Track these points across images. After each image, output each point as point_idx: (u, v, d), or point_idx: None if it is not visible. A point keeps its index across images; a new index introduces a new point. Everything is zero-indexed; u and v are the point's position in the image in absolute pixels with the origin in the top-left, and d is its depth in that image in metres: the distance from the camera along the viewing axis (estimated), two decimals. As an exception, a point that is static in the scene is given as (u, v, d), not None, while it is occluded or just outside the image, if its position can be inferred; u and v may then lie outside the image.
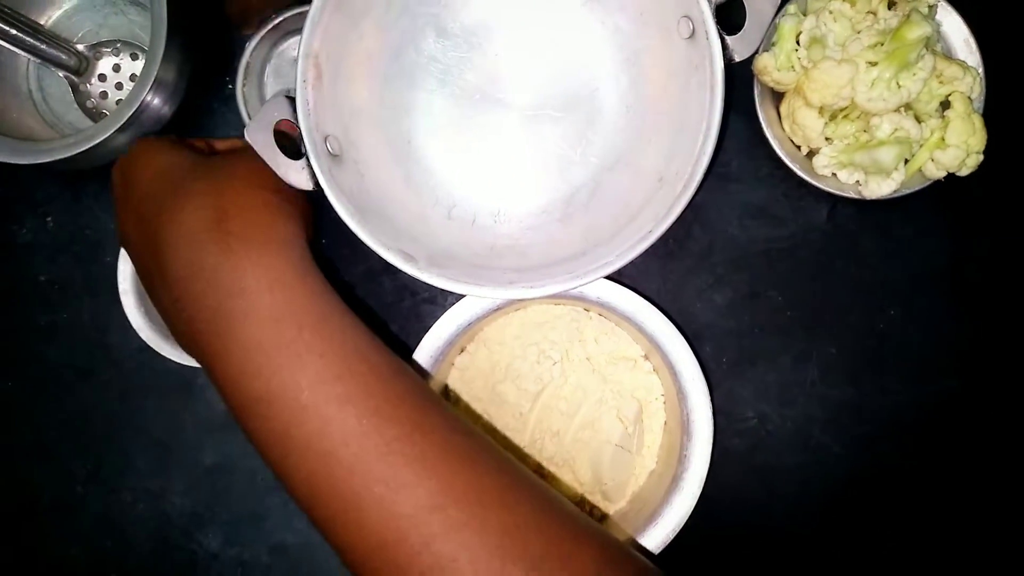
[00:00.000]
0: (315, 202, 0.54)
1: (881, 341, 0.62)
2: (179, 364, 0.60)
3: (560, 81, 0.57)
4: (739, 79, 0.61)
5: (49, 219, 0.66)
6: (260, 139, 0.51)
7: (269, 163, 0.51)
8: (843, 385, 0.62)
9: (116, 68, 0.65)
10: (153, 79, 0.58)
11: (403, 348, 0.60)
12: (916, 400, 0.62)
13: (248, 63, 0.62)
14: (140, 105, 0.58)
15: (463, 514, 0.41)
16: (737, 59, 0.51)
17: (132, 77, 0.66)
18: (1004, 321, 0.62)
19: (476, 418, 0.62)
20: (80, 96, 0.65)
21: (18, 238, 0.67)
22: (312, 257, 0.49)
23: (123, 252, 0.60)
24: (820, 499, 0.62)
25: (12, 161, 0.59)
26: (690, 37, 0.50)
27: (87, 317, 0.66)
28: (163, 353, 0.59)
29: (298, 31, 0.51)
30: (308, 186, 0.52)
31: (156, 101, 0.61)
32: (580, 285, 0.50)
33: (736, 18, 0.51)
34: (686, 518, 0.56)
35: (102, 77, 0.65)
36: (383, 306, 0.64)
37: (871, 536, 0.62)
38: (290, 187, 0.51)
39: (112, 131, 0.58)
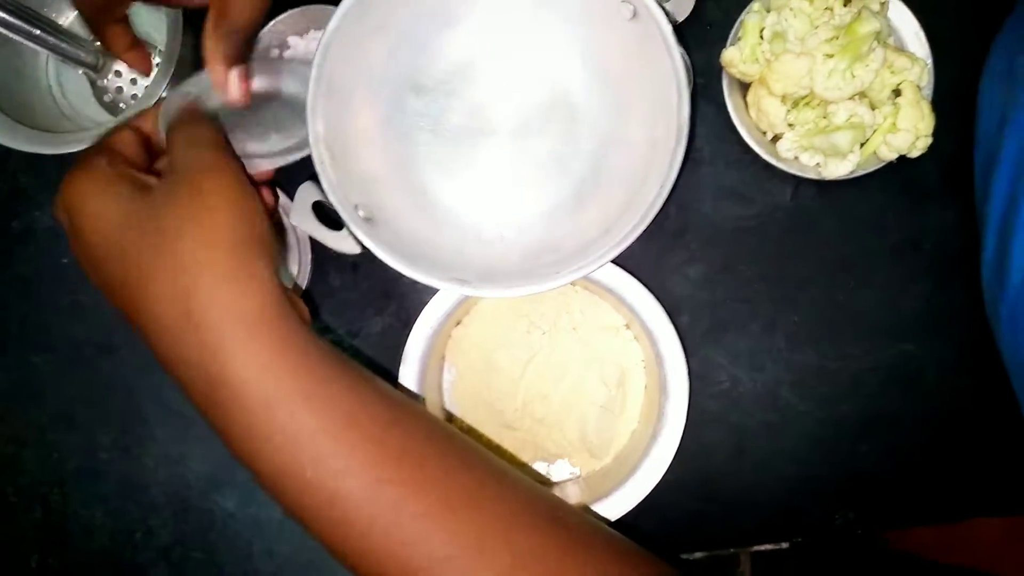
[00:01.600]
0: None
1: (841, 310, 0.68)
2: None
3: (533, 95, 0.62)
4: (709, 72, 0.67)
5: (70, 206, 0.71)
6: (305, 222, 0.59)
7: (321, 240, 0.59)
8: (807, 350, 0.68)
9: (132, 64, 0.70)
10: (171, 74, 0.63)
11: (401, 328, 0.65)
12: (875, 363, 0.68)
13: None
14: (157, 99, 0.63)
15: (472, 561, 0.44)
16: (679, 20, 0.57)
17: (147, 72, 0.70)
18: (954, 289, 0.68)
19: (472, 387, 0.67)
20: (98, 91, 0.70)
21: (41, 223, 0.71)
22: (289, 304, 0.45)
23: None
24: (787, 453, 0.68)
25: (39, 151, 0.64)
26: (633, 18, 0.56)
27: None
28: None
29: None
30: (357, 250, 0.59)
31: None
32: (620, 251, 0.54)
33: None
34: (664, 469, 0.62)
35: (118, 73, 0.70)
36: (385, 280, 0.69)
37: (833, 486, 0.68)
38: (248, 212, 0.45)
39: (131, 123, 0.62)
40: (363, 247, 0.56)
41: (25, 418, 0.71)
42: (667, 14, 0.55)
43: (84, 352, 0.71)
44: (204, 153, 0.47)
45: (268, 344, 0.43)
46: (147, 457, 0.70)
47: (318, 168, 0.56)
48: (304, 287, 0.64)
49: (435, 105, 0.63)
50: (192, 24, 0.65)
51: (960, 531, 0.72)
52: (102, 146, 0.49)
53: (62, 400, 0.71)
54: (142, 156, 0.51)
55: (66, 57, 0.67)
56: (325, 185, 0.56)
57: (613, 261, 0.61)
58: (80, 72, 0.69)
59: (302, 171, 0.57)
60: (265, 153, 0.54)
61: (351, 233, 0.56)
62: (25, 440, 0.71)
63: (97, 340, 0.71)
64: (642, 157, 0.57)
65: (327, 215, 0.59)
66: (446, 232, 0.62)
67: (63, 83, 0.72)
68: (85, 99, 0.71)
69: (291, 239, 0.66)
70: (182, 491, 0.70)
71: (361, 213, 0.57)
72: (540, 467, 0.68)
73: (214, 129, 0.50)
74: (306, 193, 0.59)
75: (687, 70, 0.54)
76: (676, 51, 0.54)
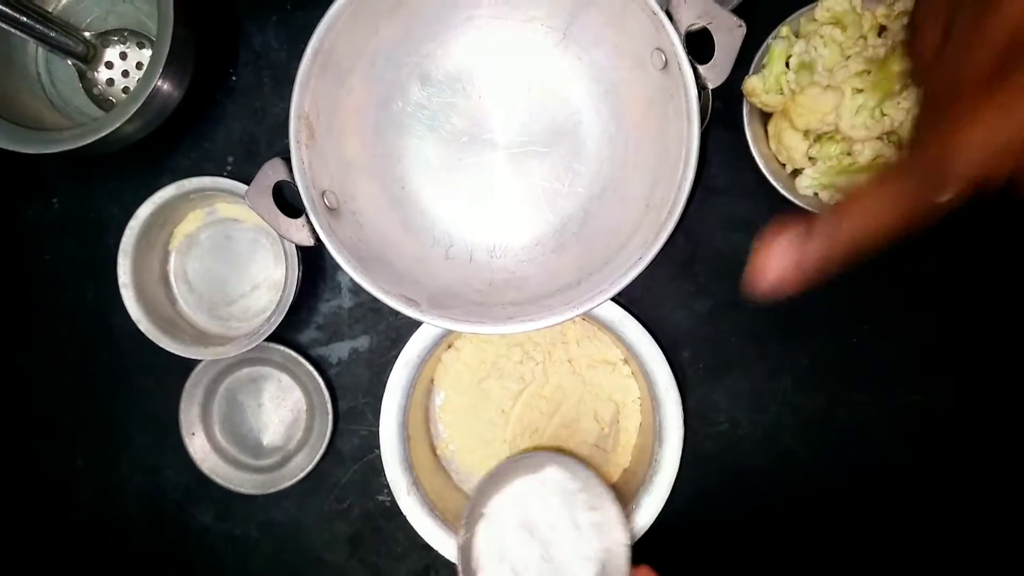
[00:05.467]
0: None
1: (852, 354, 0.65)
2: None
3: (543, 117, 0.59)
4: (730, 96, 0.63)
5: (55, 201, 0.69)
6: (260, 203, 0.53)
7: (271, 224, 0.53)
8: (814, 394, 0.65)
9: (123, 56, 0.67)
10: (160, 71, 0.59)
11: (390, 347, 0.62)
12: (883, 412, 0.65)
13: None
14: (147, 96, 0.60)
15: None
16: (711, 86, 0.52)
17: (138, 65, 0.67)
18: (972, 340, 0.64)
19: (461, 413, 0.65)
20: (87, 83, 0.67)
21: (25, 219, 0.69)
22: None
23: (123, 241, 0.62)
24: (786, 501, 0.65)
25: (22, 150, 0.61)
26: (663, 68, 0.51)
27: (90, 298, 0.68)
28: (161, 344, 0.62)
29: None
30: (310, 242, 0.54)
31: (163, 91, 0.62)
32: (576, 315, 0.51)
33: (707, 47, 0.53)
34: (654, 518, 0.59)
35: (109, 65, 0.67)
36: (374, 298, 0.66)
37: (833, 537, 0.65)
38: None
39: (120, 123, 0.59)
40: (317, 240, 0.53)
41: (2, 420, 0.69)
42: (699, 77, 0.50)
43: (65, 354, 0.69)
44: None
45: None
46: (123, 465, 0.69)
47: (292, 146, 0.52)
48: (291, 300, 0.62)
49: (438, 100, 0.59)
50: (184, 15, 0.61)
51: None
52: None
53: (41, 402, 0.69)
54: None
55: (53, 47, 0.64)
56: (295, 165, 0.52)
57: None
58: (70, 63, 0.66)
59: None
60: None
61: (308, 222, 0.53)
62: (1, 443, 0.69)
63: (78, 342, 0.69)
64: (633, 216, 0.53)
65: (285, 201, 0.55)
66: (415, 238, 0.58)
67: (53, 72, 0.69)
68: (75, 90, 0.68)
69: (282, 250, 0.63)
70: (158, 502, 0.68)
71: (327, 201, 0.53)
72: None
73: None
74: (271, 171, 0.54)
75: (699, 142, 0.50)
76: (696, 120, 0.50)
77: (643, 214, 0.52)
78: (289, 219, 0.53)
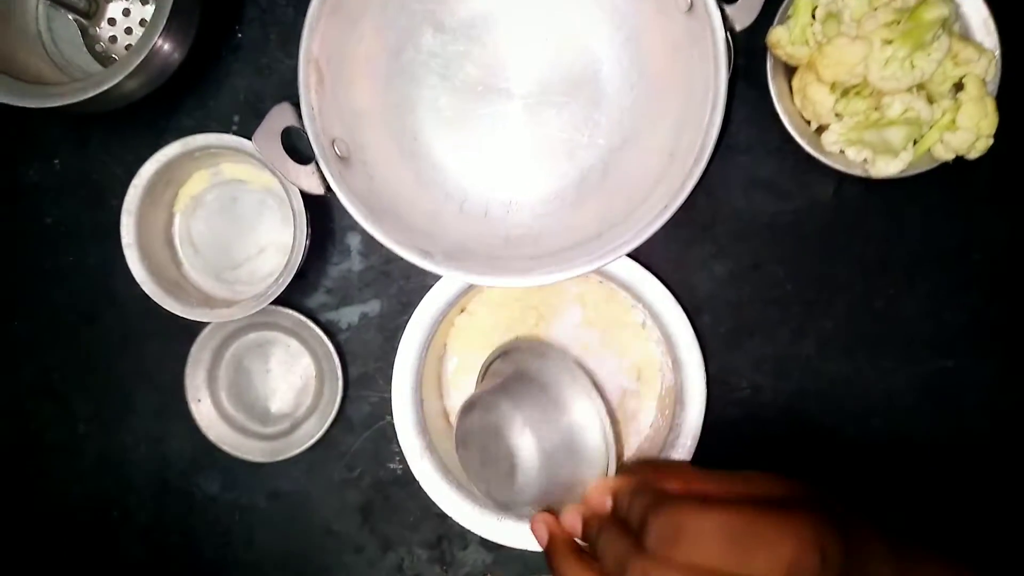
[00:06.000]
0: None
1: (879, 319, 0.63)
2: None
3: (561, 66, 0.57)
4: (753, 51, 0.61)
5: (56, 162, 0.67)
6: (268, 147, 0.51)
7: (279, 170, 0.51)
8: (839, 359, 0.63)
9: (126, 12, 0.65)
10: (163, 26, 0.58)
11: (401, 311, 0.61)
12: (909, 379, 0.63)
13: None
14: (150, 51, 0.58)
15: None
16: (738, 28, 0.50)
17: (142, 22, 0.65)
18: (1003, 305, 0.62)
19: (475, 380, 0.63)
20: (89, 39, 0.65)
21: (25, 179, 0.67)
22: None
23: (127, 200, 0.60)
24: (809, 470, 0.63)
25: (22, 104, 0.58)
26: (689, 10, 0.49)
27: (92, 261, 0.66)
28: (165, 306, 0.60)
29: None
30: (320, 190, 0.52)
31: (166, 47, 0.60)
32: (597, 267, 0.50)
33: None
34: (675, 485, 0.57)
35: (111, 21, 0.65)
36: (387, 259, 0.64)
37: (856, 509, 0.63)
38: None
39: (122, 77, 0.57)
40: (328, 189, 0.51)
41: (2, 386, 0.67)
42: (726, 19, 0.48)
43: (66, 318, 0.67)
44: None
45: None
46: (127, 433, 0.67)
47: (301, 91, 0.51)
48: (300, 262, 0.60)
49: (452, 48, 0.57)
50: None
51: None
52: None
53: (40, 368, 0.67)
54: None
55: (55, 1, 0.62)
56: (304, 110, 0.51)
57: (630, 255, 0.57)
58: (71, 18, 0.64)
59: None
60: None
61: (318, 169, 0.51)
62: (1, 409, 0.68)
63: (79, 306, 0.67)
64: (656, 167, 0.51)
65: (294, 147, 0.53)
66: (428, 192, 0.56)
67: (54, 29, 0.66)
68: (77, 48, 0.66)
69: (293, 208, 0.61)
70: (162, 471, 0.66)
71: (337, 150, 0.51)
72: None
73: None
74: (279, 115, 0.52)
75: (727, 84, 0.48)
76: (723, 62, 0.48)
77: (667, 164, 0.50)
78: (298, 165, 0.51)
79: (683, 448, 0.57)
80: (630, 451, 0.62)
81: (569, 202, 0.56)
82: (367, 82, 0.55)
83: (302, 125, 0.50)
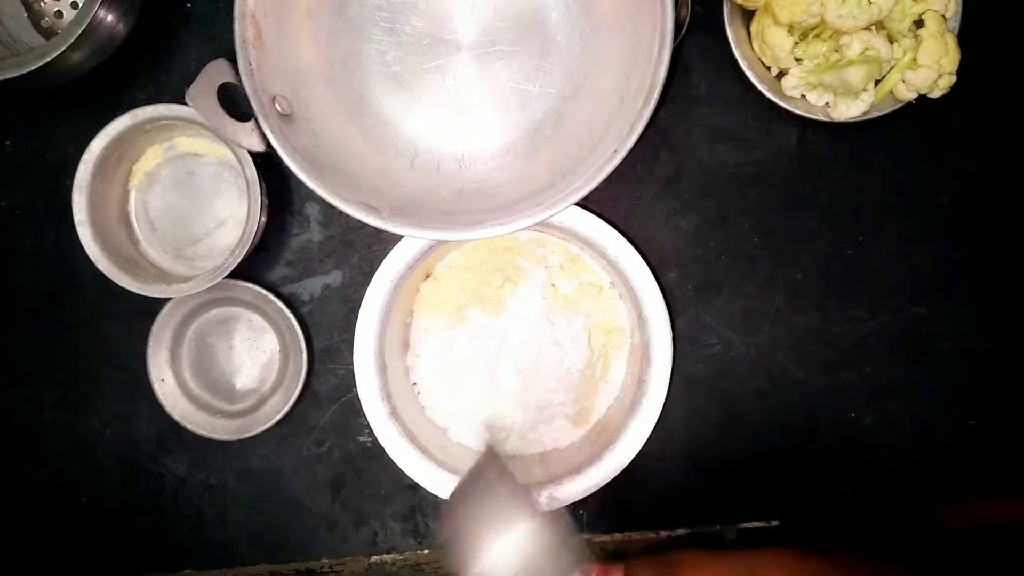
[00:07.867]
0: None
1: (849, 267, 0.62)
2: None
3: (509, 13, 0.55)
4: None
5: (8, 143, 0.65)
6: (204, 104, 0.50)
7: (215, 128, 0.50)
8: (808, 311, 0.62)
9: (71, -14, 0.64)
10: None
11: (363, 282, 0.60)
12: (883, 327, 0.62)
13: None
14: (91, 22, 0.57)
15: None
16: None
17: (87, -5, 0.64)
18: (974, 246, 0.61)
19: (442, 345, 0.62)
20: (34, 14, 0.64)
21: (-23, 161, 0.66)
22: None
23: (78, 177, 0.59)
24: (781, 423, 0.62)
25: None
26: None
27: (49, 243, 0.65)
28: (121, 283, 0.59)
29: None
30: (260, 147, 0.51)
31: (109, 18, 0.59)
32: (548, 216, 0.49)
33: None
34: (644, 440, 0.56)
35: (56, -5, 0.64)
36: (347, 228, 0.63)
37: (831, 460, 0.62)
38: None
39: (63, 48, 0.56)
40: (268, 146, 0.50)
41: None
42: None
43: (27, 301, 0.66)
44: None
45: None
46: (93, 416, 0.66)
47: (238, 46, 0.49)
48: (254, 233, 0.58)
49: (397, 0, 0.56)
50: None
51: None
52: None
53: (3, 353, 0.66)
54: None
55: (-6, -24, 0.61)
56: (242, 66, 0.49)
57: (594, 212, 0.56)
58: (14, -7, 0.63)
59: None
60: None
61: (258, 127, 0.50)
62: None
63: (40, 289, 0.66)
64: (607, 112, 0.50)
65: (237, 106, 0.52)
66: (377, 148, 0.55)
67: (-4, 5, 0.65)
68: (23, 24, 0.65)
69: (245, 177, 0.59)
70: (130, 453, 0.65)
71: (278, 107, 0.50)
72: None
73: None
74: (215, 71, 0.51)
75: (673, 20, 0.47)
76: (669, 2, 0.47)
77: (617, 108, 0.49)
78: (237, 123, 0.50)
79: (651, 405, 0.56)
80: (599, 414, 0.61)
81: (522, 154, 0.55)
82: (310, 38, 0.54)
83: (240, 82, 0.49)
